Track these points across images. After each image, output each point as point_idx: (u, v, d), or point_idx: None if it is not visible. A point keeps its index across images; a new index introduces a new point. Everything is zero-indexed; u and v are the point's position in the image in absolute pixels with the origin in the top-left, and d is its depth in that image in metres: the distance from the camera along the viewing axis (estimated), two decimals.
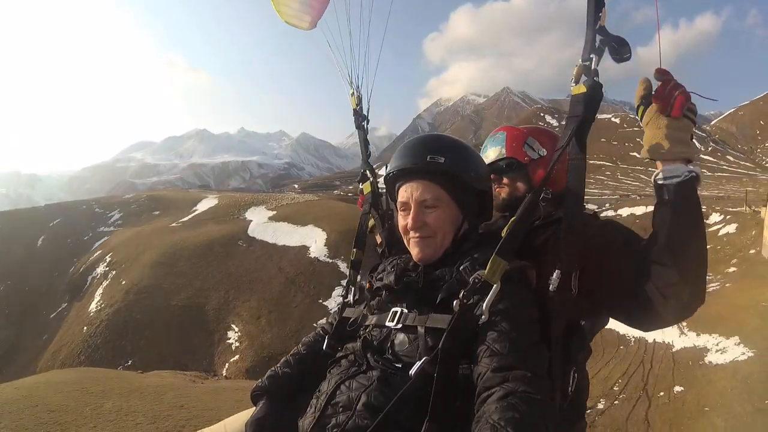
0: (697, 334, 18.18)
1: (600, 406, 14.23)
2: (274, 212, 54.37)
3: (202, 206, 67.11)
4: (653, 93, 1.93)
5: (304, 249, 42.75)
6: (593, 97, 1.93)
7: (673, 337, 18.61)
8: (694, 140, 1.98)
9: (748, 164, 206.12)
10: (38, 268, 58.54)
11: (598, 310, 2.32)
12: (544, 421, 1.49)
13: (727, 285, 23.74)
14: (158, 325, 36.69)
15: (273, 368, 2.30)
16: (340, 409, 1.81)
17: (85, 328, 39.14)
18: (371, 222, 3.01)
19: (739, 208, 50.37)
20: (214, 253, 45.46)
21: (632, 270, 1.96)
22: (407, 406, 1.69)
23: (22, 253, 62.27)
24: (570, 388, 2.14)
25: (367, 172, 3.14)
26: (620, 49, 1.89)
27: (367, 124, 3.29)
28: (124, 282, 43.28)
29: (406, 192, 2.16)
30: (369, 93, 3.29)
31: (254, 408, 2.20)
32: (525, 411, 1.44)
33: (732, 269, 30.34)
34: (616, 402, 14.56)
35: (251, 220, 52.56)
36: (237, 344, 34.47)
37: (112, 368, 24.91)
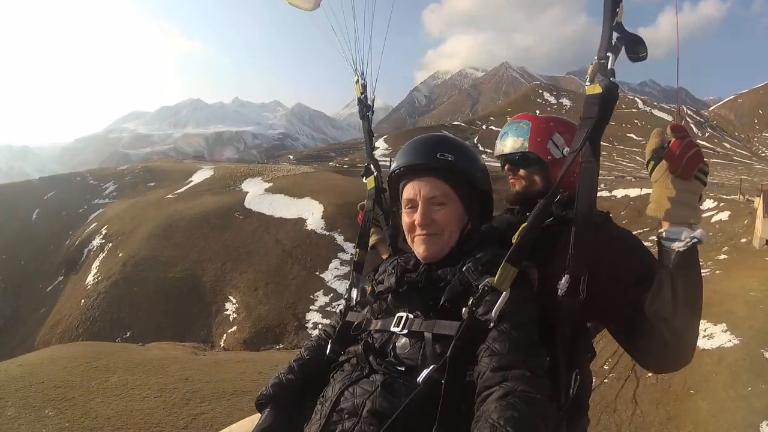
0: None
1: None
2: (271, 184, 54.36)
3: (198, 177, 66.99)
4: (665, 149, 1.87)
5: (301, 221, 42.87)
6: (609, 99, 1.83)
7: None
8: (701, 202, 1.91)
9: (744, 152, 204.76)
10: (33, 242, 58.57)
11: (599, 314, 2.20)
12: (543, 420, 1.49)
13: (717, 272, 23.78)
14: (156, 297, 36.94)
15: (277, 375, 2.27)
16: (346, 416, 1.79)
17: (83, 300, 39.39)
18: (372, 237, 2.94)
19: (732, 196, 50.31)
20: (210, 225, 45.58)
21: (633, 308, 1.91)
22: (414, 412, 1.67)
23: (16, 226, 62.24)
24: (572, 390, 2.02)
25: (371, 165, 3.06)
26: (636, 48, 1.84)
27: (372, 114, 3.20)
28: (120, 254, 43.34)
29: (413, 189, 2.11)
30: (374, 82, 3.19)
31: (259, 415, 2.20)
32: (524, 410, 1.44)
33: (723, 256, 30.30)
34: (605, 380, 14.76)
35: (248, 192, 52.56)
36: (234, 316, 34.79)
37: (110, 341, 25.03)
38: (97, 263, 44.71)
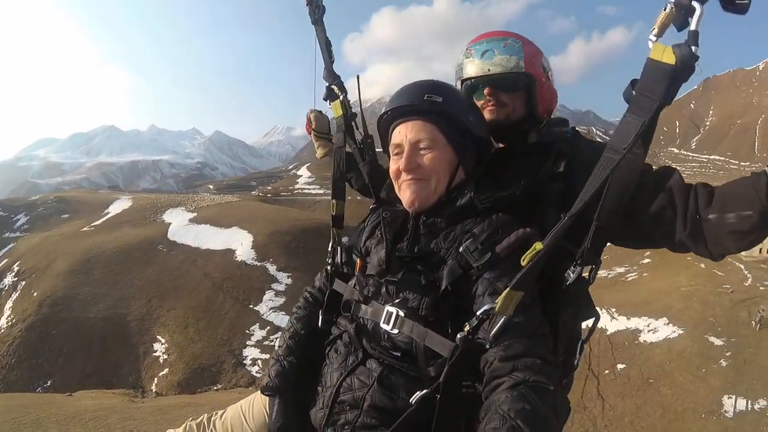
0: (628, 318, 19.76)
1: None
2: (195, 214, 53.38)
3: (115, 208, 64.87)
4: None
5: (230, 252, 41.85)
6: (683, 76, 1.43)
7: (605, 321, 20.06)
8: None
9: (667, 160, 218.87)
10: None
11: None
12: (555, 412, 1.42)
13: (644, 274, 25.67)
14: (77, 340, 35.06)
15: (276, 358, 2.14)
16: (347, 408, 1.78)
17: None
18: (320, 151, 2.79)
19: None
20: (132, 259, 44.09)
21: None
22: (410, 421, 1.64)
23: None
24: (576, 361, 1.98)
25: (335, 87, 2.60)
26: None
27: (323, 12, 2.64)
28: (35, 293, 41.31)
29: (399, 133, 1.96)
30: None
31: (268, 402, 2.12)
32: (536, 402, 1.36)
33: (646, 260, 31.76)
34: (565, 380, 14.49)
35: (170, 223, 51.28)
36: (165, 356, 33.54)
37: (30, 391, 23.54)
38: (10, 304, 42.60)
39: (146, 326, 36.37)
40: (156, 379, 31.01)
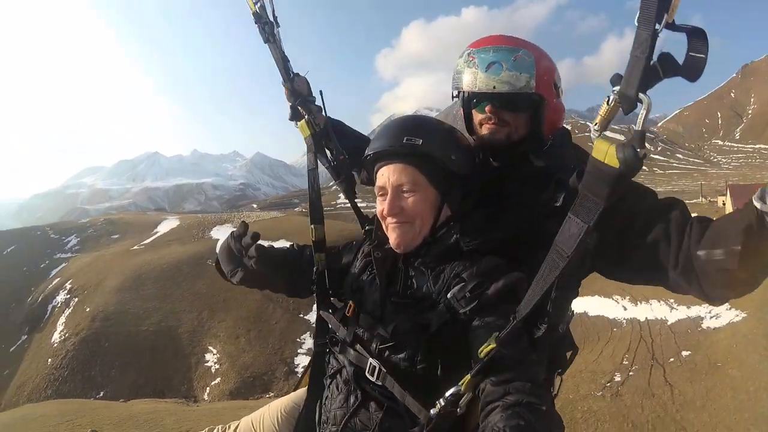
0: (688, 307, 19.20)
1: (617, 378, 14.65)
2: None
3: (163, 228, 65.73)
4: None
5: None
6: (628, 180, 1.40)
7: (665, 313, 19.57)
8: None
9: (697, 160, 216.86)
10: None
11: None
12: (550, 429, 1.53)
13: None
14: (129, 353, 35.31)
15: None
16: None
17: (50, 359, 37.58)
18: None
19: (695, 200, 54.25)
20: (182, 274, 44.35)
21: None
22: None
23: None
24: (554, 392, 2.11)
25: (298, 106, 2.60)
26: (697, 45, 1.30)
27: (278, 30, 2.56)
28: (88, 309, 41.74)
29: (383, 176, 2.05)
30: None
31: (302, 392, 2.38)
32: (530, 419, 1.46)
33: None
34: (630, 373, 14.97)
35: (218, 239, 51.20)
36: (217, 366, 33.52)
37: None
38: (62, 319, 43.01)
39: (197, 338, 36.47)
40: (208, 388, 31.01)
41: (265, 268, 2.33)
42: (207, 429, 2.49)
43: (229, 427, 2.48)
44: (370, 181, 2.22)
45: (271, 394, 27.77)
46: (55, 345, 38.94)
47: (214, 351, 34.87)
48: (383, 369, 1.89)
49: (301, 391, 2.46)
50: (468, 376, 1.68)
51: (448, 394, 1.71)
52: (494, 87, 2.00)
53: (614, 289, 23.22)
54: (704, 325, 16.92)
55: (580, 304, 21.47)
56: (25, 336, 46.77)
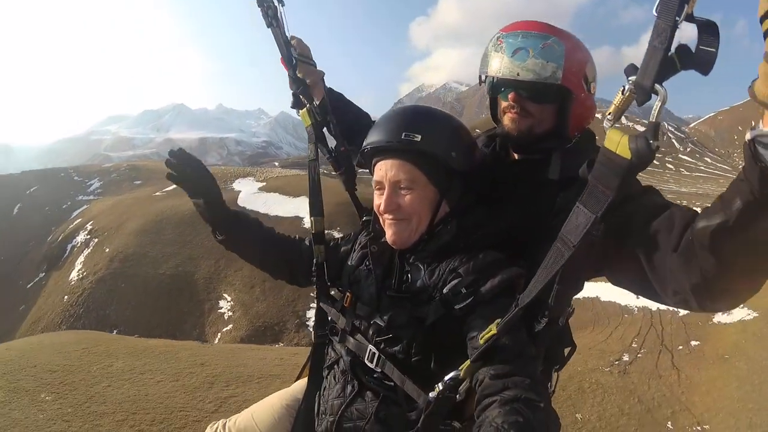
0: None
1: (625, 358, 14.62)
2: (264, 183, 53.71)
3: None
4: None
5: (298, 219, 41.64)
6: (638, 171, 1.39)
7: None
8: None
9: (725, 166, 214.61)
10: (14, 237, 57.58)
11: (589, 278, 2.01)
12: (548, 426, 1.63)
13: None
14: (145, 294, 35.72)
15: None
16: None
17: (66, 297, 38.17)
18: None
19: None
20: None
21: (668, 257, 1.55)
22: None
23: None
24: (551, 389, 2.11)
25: (301, 95, 2.68)
26: (707, 39, 1.22)
27: (282, 6, 2.56)
28: (107, 250, 42.14)
29: (380, 171, 2.06)
30: None
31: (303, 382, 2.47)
32: (529, 415, 1.45)
33: None
34: (639, 355, 14.96)
35: (240, 191, 51.63)
36: (230, 313, 33.74)
37: None
38: (81, 259, 43.56)
39: (213, 285, 36.80)
40: (219, 334, 31.37)
41: (250, 235, 2.64)
42: (210, 425, 2.50)
43: (231, 419, 2.49)
44: (371, 172, 2.21)
45: (281, 344, 28.09)
46: (73, 283, 39.53)
47: (228, 298, 35.12)
48: (382, 355, 1.93)
49: (302, 383, 2.53)
50: (468, 362, 1.71)
51: (447, 378, 1.74)
52: (518, 74, 1.95)
53: None
54: (715, 320, 16.82)
55: (592, 290, 21.05)
56: (43, 273, 47.78)
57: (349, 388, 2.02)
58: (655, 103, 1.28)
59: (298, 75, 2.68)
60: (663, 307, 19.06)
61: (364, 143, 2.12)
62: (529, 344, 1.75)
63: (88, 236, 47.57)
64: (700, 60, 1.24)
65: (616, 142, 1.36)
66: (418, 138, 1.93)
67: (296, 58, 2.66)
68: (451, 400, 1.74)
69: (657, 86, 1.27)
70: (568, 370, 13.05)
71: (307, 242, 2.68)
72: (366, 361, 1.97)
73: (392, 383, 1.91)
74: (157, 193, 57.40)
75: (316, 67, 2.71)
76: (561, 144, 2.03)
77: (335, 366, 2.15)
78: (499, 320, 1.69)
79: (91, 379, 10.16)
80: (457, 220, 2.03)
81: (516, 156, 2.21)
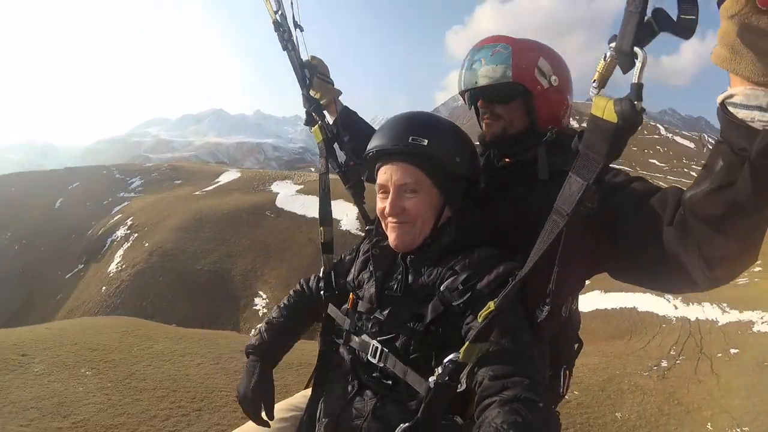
0: (740, 311, 18.72)
1: (664, 364, 14.69)
2: (302, 186, 53.97)
3: (225, 178, 66.72)
4: None
5: (335, 222, 40.91)
6: (626, 134, 1.39)
7: (716, 314, 19.13)
8: None
9: None
10: (54, 230, 58.70)
11: (591, 275, 2.06)
12: (548, 426, 1.53)
13: (756, 279, 24.34)
14: (182, 288, 36.10)
15: (260, 332, 2.52)
16: None
17: (104, 287, 38.70)
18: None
19: None
20: (241, 221, 44.78)
21: (659, 236, 1.61)
22: None
23: (38, 214, 62.66)
24: (561, 389, 2.12)
25: (313, 113, 2.77)
26: (686, 8, 1.24)
27: (301, 32, 2.69)
28: (147, 244, 42.65)
29: (385, 174, 2.07)
30: None
31: (305, 393, 2.49)
32: (527, 415, 1.45)
33: (757, 269, 31.10)
34: (677, 362, 14.92)
35: (278, 193, 52.03)
36: (264, 310, 33.82)
37: None
38: (121, 252, 44.21)
39: (249, 282, 37.09)
40: (253, 329, 31.50)
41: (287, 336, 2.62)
42: None
43: None
44: (371, 177, 2.28)
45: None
46: (111, 274, 40.04)
47: (264, 296, 35.35)
48: (385, 349, 1.94)
49: (303, 393, 2.61)
50: (467, 343, 1.68)
51: (446, 360, 1.71)
52: (476, 82, 2.14)
53: None
54: (755, 329, 16.59)
55: (629, 300, 21.76)
56: (82, 265, 48.74)
57: (349, 388, 2.06)
58: (636, 65, 1.28)
59: (316, 93, 2.83)
60: (702, 316, 19.32)
61: (369, 147, 2.13)
62: (530, 346, 1.74)
63: (128, 231, 48.27)
64: (682, 27, 1.25)
65: (602, 108, 1.38)
66: (425, 142, 1.97)
67: (310, 79, 2.78)
68: (451, 389, 1.72)
69: (636, 49, 1.28)
70: (606, 372, 12.84)
71: (312, 281, 2.69)
72: (369, 357, 1.98)
73: (390, 382, 1.94)
74: (196, 193, 58.46)
75: (333, 85, 2.85)
76: (538, 139, 2.11)
77: (337, 369, 2.19)
78: (496, 298, 1.68)
79: (132, 358, 10.15)
80: (456, 223, 2.07)
81: (507, 160, 2.29)
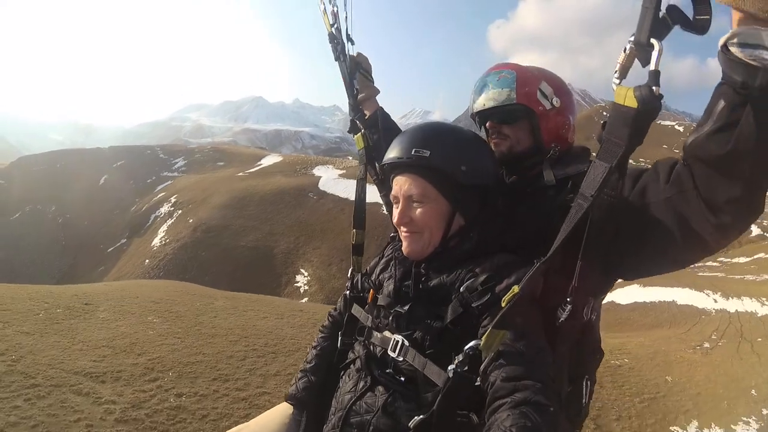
0: None
1: (706, 345, 15.19)
2: (344, 171, 54.24)
3: (267, 161, 67.33)
4: None
5: (377, 205, 40.63)
6: (646, 119, 1.42)
7: (756, 307, 19.52)
8: None
9: None
10: (99, 205, 59.94)
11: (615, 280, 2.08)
12: (556, 431, 1.52)
13: None
14: (224, 264, 36.61)
15: (305, 373, 2.41)
16: (355, 430, 1.93)
17: (147, 260, 39.59)
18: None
19: None
20: (284, 202, 45.22)
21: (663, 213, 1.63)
22: None
23: (83, 189, 63.94)
24: (584, 399, 2.09)
25: (357, 121, 2.80)
26: (701, 8, 1.30)
27: (352, 45, 2.79)
28: (191, 220, 43.34)
29: (396, 185, 2.07)
30: (350, 4, 2.78)
31: (284, 408, 2.37)
32: (536, 420, 1.44)
33: None
34: (719, 344, 15.38)
35: (320, 176, 52.38)
36: (306, 288, 34.37)
37: None
38: (164, 228, 45.03)
39: (291, 259, 37.46)
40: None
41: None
42: None
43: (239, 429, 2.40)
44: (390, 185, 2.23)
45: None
46: (155, 248, 40.87)
47: (306, 274, 35.69)
48: (406, 342, 1.92)
49: None
50: (489, 329, 1.65)
51: (467, 347, 1.69)
52: (484, 104, 2.24)
53: (706, 284, 23.03)
54: None
55: (668, 294, 22.11)
56: (125, 240, 49.69)
57: (362, 383, 2.03)
58: (653, 54, 1.32)
59: (357, 88, 2.86)
60: (741, 309, 19.75)
61: (383, 160, 2.16)
62: (545, 351, 1.71)
63: (172, 208, 49.08)
64: (698, 25, 1.32)
65: (623, 96, 1.41)
66: (427, 154, 1.98)
67: (354, 74, 2.84)
68: (470, 382, 1.69)
69: (653, 40, 1.32)
70: (652, 347, 13.50)
71: (341, 301, 2.59)
72: (389, 351, 1.95)
73: (403, 378, 1.93)
74: (240, 174, 58.92)
75: (373, 83, 2.94)
76: (543, 157, 2.19)
77: (351, 365, 2.18)
78: (516, 286, 1.66)
79: (196, 310, 10.35)
80: (479, 231, 2.05)
81: (512, 179, 2.35)
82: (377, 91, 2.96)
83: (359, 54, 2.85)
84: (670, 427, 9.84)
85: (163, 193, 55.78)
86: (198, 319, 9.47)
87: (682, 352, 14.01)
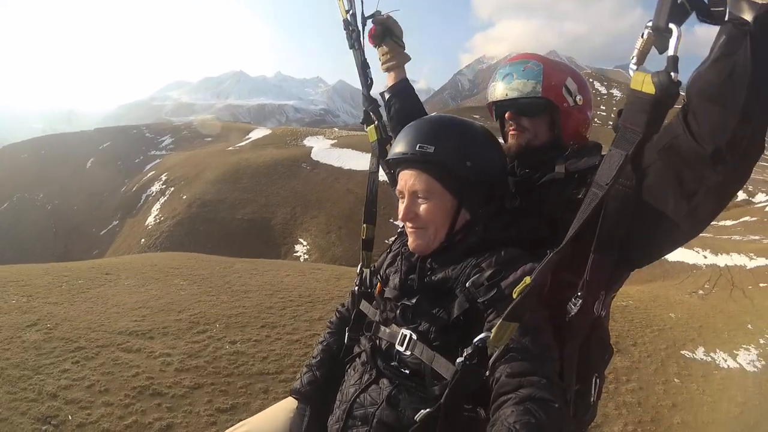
0: (766, 258, 20.94)
1: (701, 293, 16.49)
2: (335, 141, 54.00)
3: (256, 134, 67.05)
4: None
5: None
6: (664, 106, 1.43)
7: (744, 261, 21.30)
8: None
9: None
10: (87, 189, 59.56)
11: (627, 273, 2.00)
12: (561, 429, 1.50)
13: None
14: (222, 237, 36.72)
15: (310, 368, 2.39)
16: (359, 423, 1.93)
17: (143, 239, 39.57)
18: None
19: None
20: (278, 173, 45.17)
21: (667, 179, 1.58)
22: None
23: (70, 174, 63.60)
24: (593, 398, 2.05)
25: (371, 112, 2.69)
26: (717, 5, 1.33)
27: (365, 39, 2.68)
28: (185, 197, 43.25)
29: (401, 181, 2.04)
30: None
31: (288, 402, 2.37)
32: (541, 416, 1.44)
33: None
34: (713, 291, 16.64)
35: (312, 147, 52.16)
36: (306, 257, 34.47)
37: None
38: (157, 206, 44.95)
39: (289, 230, 37.64)
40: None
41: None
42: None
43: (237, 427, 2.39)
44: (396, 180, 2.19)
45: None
46: (150, 227, 40.83)
47: (304, 243, 35.91)
48: (414, 336, 1.90)
49: None
50: (499, 321, 1.62)
51: (476, 339, 1.69)
52: (506, 94, 2.22)
53: (695, 242, 23.50)
54: None
55: None
56: (117, 221, 49.64)
57: (366, 376, 2.03)
58: (671, 40, 1.34)
59: (387, 54, 2.79)
60: (731, 263, 21.20)
61: (388, 155, 2.15)
62: (551, 348, 1.71)
63: (164, 186, 48.81)
64: (714, 16, 1.33)
65: (641, 82, 1.41)
66: (431, 149, 1.96)
67: (392, 40, 2.78)
68: (478, 375, 1.69)
69: (671, 26, 1.33)
70: (652, 293, 15.56)
71: (348, 298, 2.54)
72: (397, 345, 1.94)
73: (408, 372, 1.92)
74: (230, 148, 58.73)
75: (404, 49, 2.81)
76: (559, 153, 2.17)
77: (357, 359, 2.17)
78: (528, 277, 1.63)
79: (220, 272, 10.46)
80: (484, 225, 2.05)
81: (523, 172, 2.31)
82: (408, 58, 2.86)
83: (389, 17, 2.75)
84: (681, 351, 10.84)
85: (153, 172, 55.43)
86: (225, 280, 9.61)
87: (679, 296, 15.05)
